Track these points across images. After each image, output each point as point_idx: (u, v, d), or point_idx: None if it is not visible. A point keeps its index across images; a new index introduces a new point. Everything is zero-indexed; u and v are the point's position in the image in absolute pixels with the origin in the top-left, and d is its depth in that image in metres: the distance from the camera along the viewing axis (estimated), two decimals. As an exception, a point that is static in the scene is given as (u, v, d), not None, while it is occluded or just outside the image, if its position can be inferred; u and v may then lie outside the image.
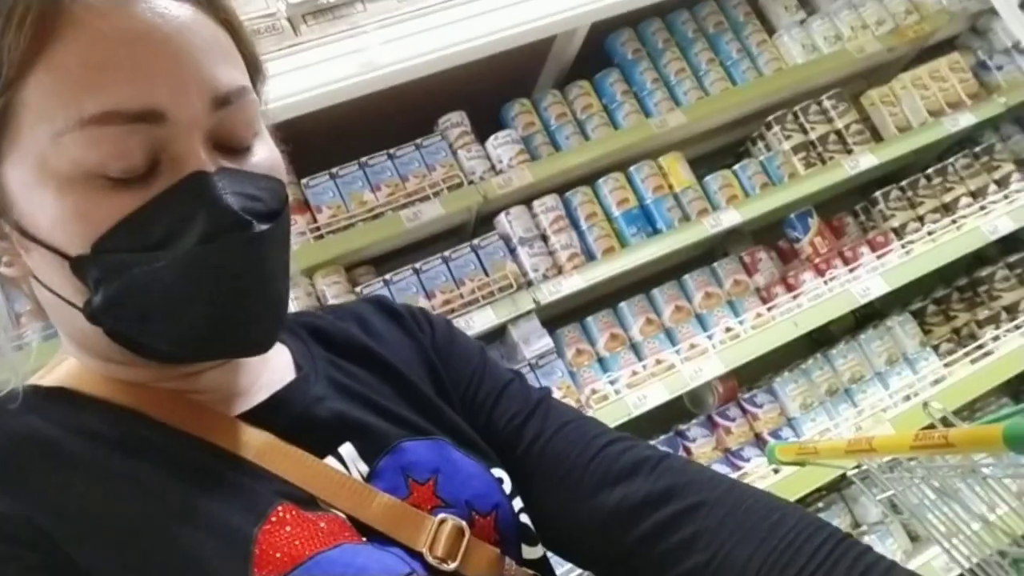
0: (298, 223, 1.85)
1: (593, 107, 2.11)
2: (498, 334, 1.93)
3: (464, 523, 0.55)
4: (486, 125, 2.05)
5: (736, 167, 2.14)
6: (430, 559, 0.52)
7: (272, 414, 0.56)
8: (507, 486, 0.61)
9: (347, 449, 0.57)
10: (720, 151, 2.41)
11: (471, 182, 1.95)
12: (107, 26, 0.45)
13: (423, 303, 1.84)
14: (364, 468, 0.56)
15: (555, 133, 2.08)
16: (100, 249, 0.47)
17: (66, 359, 0.57)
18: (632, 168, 2.07)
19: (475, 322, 1.82)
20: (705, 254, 2.27)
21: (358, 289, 1.86)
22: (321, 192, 1.89)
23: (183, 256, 0.46)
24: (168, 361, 0.53)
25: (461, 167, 1.97)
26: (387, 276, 1.86)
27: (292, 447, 0.54)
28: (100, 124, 0.45)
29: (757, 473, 1.83)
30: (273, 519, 0.49)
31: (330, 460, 0.56)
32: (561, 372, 1.86)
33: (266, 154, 0.53)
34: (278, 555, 0.47)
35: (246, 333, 0.51)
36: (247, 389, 0.58)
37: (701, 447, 1.88)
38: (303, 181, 1.89)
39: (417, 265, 1.87)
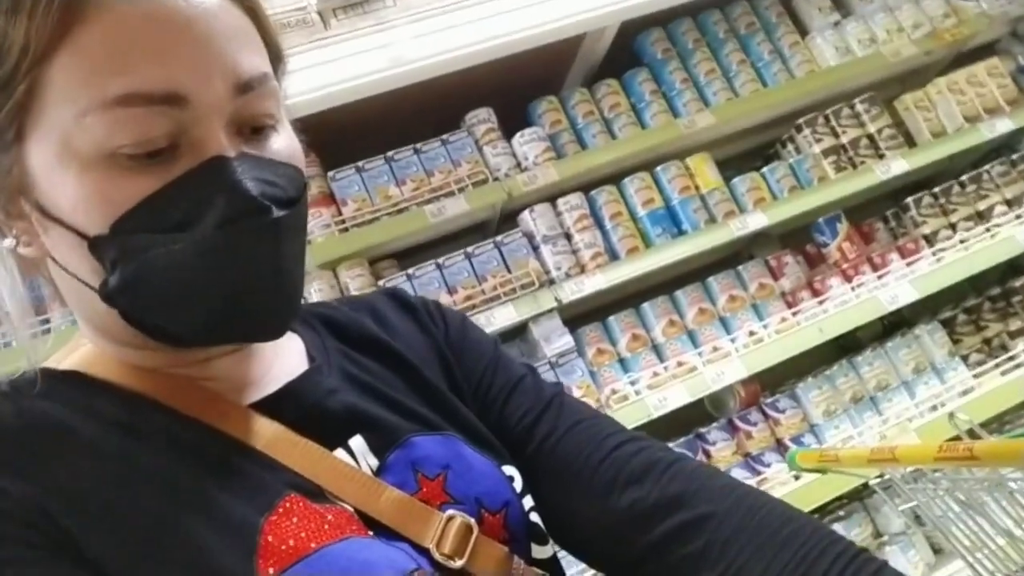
0: (323, 216, 1.87)
1: (621, 106, 2.10)
2: (519, 332, 1.93)
3: (472, 520, 0.55)
4: (513, 122, 2.05)
5: (764, 169, 2.12)
6: (437, 555, 0.52)
7: (283, 405, 0.56)
8: (518, 484, 0.60)
9: (357, 442, 0.56)
10: (749, 153, 2.39)
11: (496, 179, 1.95)
12: (132, 9, 0.45)
13: (445, 299, 1.84)
14: (374, 462, 0.56)
15: (582, 131, 2.07)
16: (119, 230, 0.47)
17: (82, 344, 0.57)
18: (659, 168, 2.06)
19: (496, 319, 1.81)
20: (730, 257, 2.25)
21: (381, 283, 1.86)
22: (347, 185, 1.90)
23: (201, 239, 0.47)
24: (181, 345, 0.53)
25: (486, 163, 1.97)
26: (410, 271, 1.86)
27: (302, 438, 0.54)
28: (123, 105, 0.45)
29: (777, 479, 1.81)
30: (280, 510, 0.49)
31: (340, 453, 0.55)
32: (581, 371, 1.85)
33: (286, 142, 0.53)
34: (283, 547, 0.47)
35: (260, 318, 0.52)
36: (259, 379, 0.58)
37: (721, 451, 1.86)
38: (329, 174, 1.90)
39: (440, 260, 1.88)
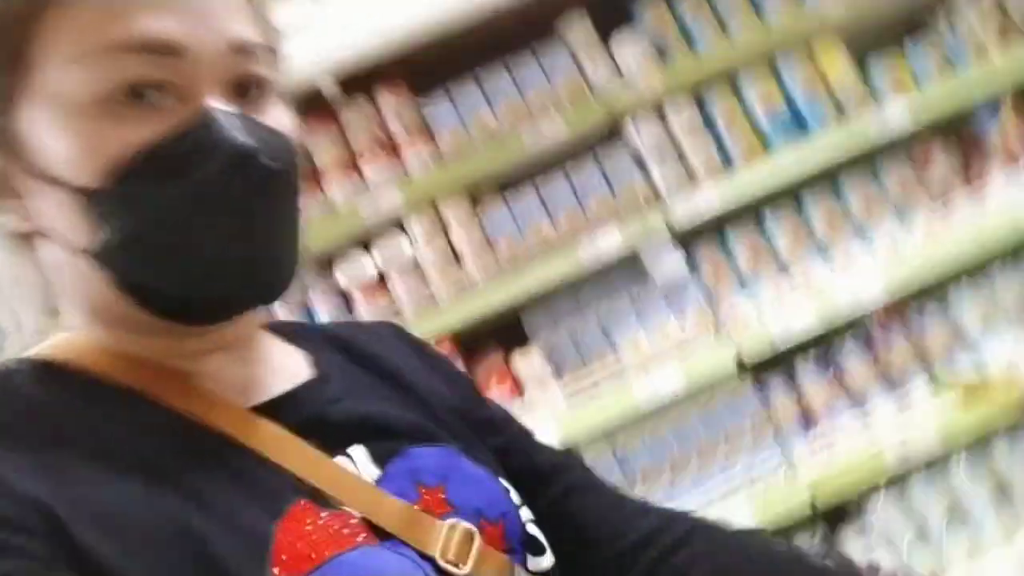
0: (419, 150, 1.82)
1: (738, -5, 1.87)
2: (627, 254, 1.81)
3: (475, 529, 0.54)
4: (612, 27, 1.88)
5: (908, 49, 1.83)
6: (442, 563, 0.51)
7: (284, 410, 0.55)
8: (514, 496, 0.60)
9: (358, 451, 0.56)
10: (888, 30, 2.07)
11: (595, 92, 1.81)
12: None
13: (546, 227, 1.76)
14: (374, 471, 0.55)
15: (691, 30, 1.86)
16: (113, 181, 0.46)
17: (66, 335, 0.55)
18: (780, 63, 1.83)
19: (602, 245, 1.72)
20: (867, 155, 2.00)
21: (480, 212, 1.81)
22: (440, 115, 1.84)
23: (197, 189, 0.47)
24: (174, 313, 0.50)
25: (584, 76, 1.83)
26: (509, 199, 1.79)
27: (304, 443, 0.52)
28: (120, 52, 0.45)
29: (921, 406, 1.63)
30: (291, 516, 0.48)
31: (341, 460, 0.54)
32: (697, 295, 1.73)
33: (279, 116, 0.53)
34: (297, 555, 0.46)
35: (255, 274, 0.51)
36: (258, 383, 0.57)
37: (856, 370, 1.70)
38: (421, 104, 1.84)
39: (538, 185, 1.79)
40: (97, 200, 0.46)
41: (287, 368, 0.60)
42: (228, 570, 0.44)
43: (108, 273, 0.48)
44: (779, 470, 1.63)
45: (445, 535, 0.52)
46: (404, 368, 0.66)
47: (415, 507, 0.53)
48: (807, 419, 1.69)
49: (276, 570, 0.45)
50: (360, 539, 0.49)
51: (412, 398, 0.63)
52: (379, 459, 0.55)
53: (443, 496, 0.55)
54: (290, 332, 0.64)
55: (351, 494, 0.51)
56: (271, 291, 0.52)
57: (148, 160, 0.46)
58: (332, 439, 0.54)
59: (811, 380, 1.69)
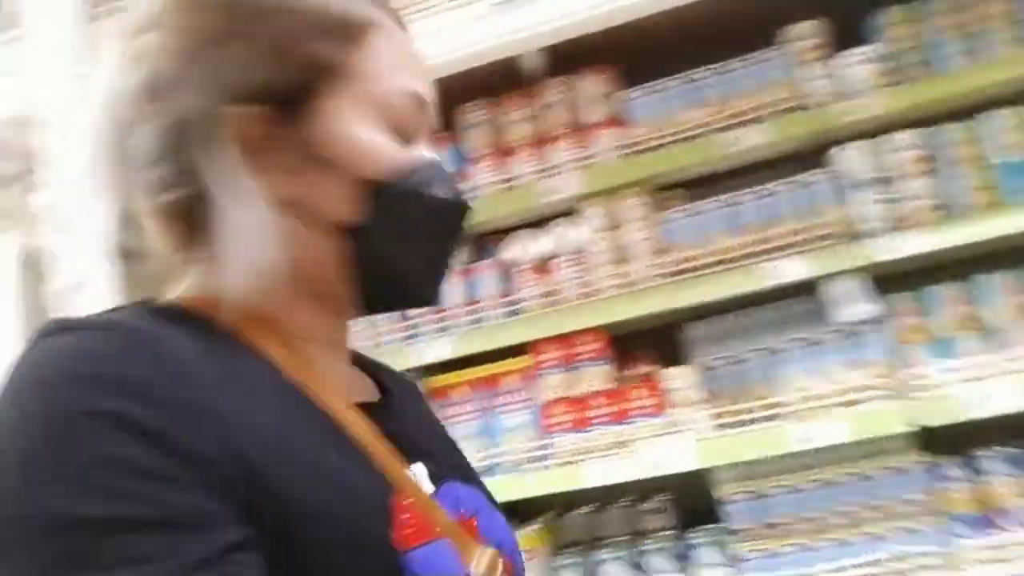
0: (609, 138, 1.78)
1: (1000, 16, 1.64)
2: (810, 287, 1.67)
3: (499, 557, 0.60)
4: (848, 39, 1.72)
5: None
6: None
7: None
8: (519, 544, 0.68)
9: (419, 468, 0.62)
10: None
11: (808, 106, 1.67)
12: (402, 35, 0.64)
13: (728, 240, 1.66)
14: (430, 487, 0.61)
15: (936, 50, 1.67)
16: (389, 180, 0.59)
17: (204, 287, 0.58)
18: (1039, 101, 1.59)
19: (784, 271, 1.59)
20: None
21: (661, 215, 1.74)
22: (640, 107, 1.78)
23: (438, 203, 0.62)
24: (379, 291, 0.62)
25: (800, 87, 1.69)
26: (693, 205, 1.71)
27: (390, 446, 0.58)
28: (409, 97, 0.61)
29: None
30: (398, 496, 0.54)
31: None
32: (881, 346, 1.56)
33: None
34: (406, 529, 0.52)
35: (439, 280, 0.65)
36: (347, 387, 0.64)
37: (1059, 475, 1.46)
38: (625, 94, 1.79)
39: (728, 196, 1.69)
40: (377, 191, 0.58)
41: (360, 384, 0.69)
42: (363, 523, 0.51)
43: (352, 247, 0.59)
44: (937, 565, 1.45)
45: (478, 555, 0.58)
46: (434, 421, 0.78)
47: (459, 525, 0.59)
48: (985, 516, 1.48)
49: (396, 535, 0.51)
50: (438, 534, 0.55)
51: (446, 444, 0.74)
52: (433, 480, 0.62)
53: (476, 526, 0.62)
54: (358, 357, 0.72)
55: (418, 499, 0.56)
56: (436, 298, 0.66)
57: (411, 175, 0.60)
58: (399, 453, 0.59)
59: (1000, 471, 1.47)
